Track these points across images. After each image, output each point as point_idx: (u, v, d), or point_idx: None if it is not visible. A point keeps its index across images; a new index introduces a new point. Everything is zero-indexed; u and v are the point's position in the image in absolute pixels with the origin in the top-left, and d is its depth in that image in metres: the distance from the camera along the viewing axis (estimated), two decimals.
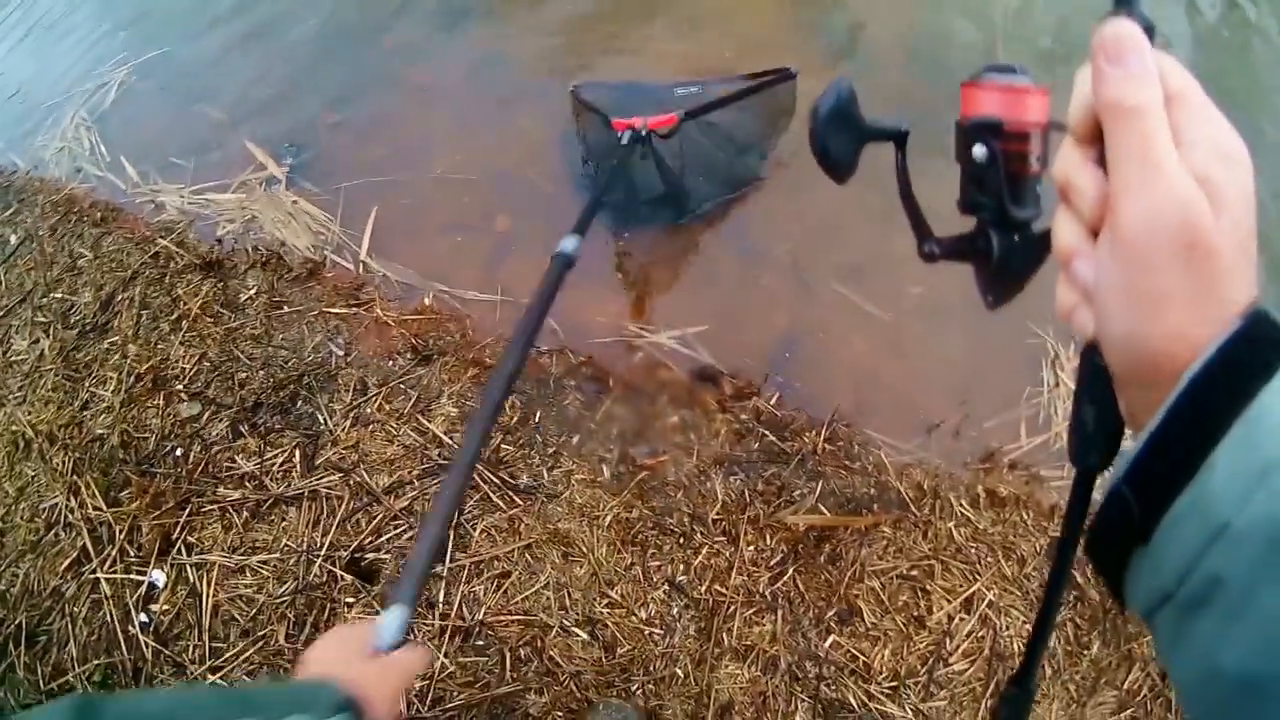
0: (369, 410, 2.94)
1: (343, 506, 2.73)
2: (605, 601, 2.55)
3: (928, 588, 2.59)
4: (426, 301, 3.26)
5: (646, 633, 2.51)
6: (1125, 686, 2.46)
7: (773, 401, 2.98)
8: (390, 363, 3.06)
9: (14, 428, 3.17)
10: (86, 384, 3.22)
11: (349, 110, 4.07)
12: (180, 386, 3.10)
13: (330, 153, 3.88)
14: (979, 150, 0.72)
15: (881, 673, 2.47)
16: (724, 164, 3.55)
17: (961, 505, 2.76)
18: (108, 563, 2.75)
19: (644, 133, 3.09)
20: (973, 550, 2.66)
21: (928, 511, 2.73)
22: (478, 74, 4.16)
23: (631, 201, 3.45)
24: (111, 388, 3.16)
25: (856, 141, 0.84)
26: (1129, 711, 2.44)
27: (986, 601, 2.56)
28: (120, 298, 3.44)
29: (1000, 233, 0.76)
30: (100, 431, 3.06)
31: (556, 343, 3.13)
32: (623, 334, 3.18)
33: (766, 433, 2.88)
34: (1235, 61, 4.23)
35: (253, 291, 3.34)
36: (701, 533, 2.65)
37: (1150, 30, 0.57)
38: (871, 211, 3.53)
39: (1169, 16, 4.29)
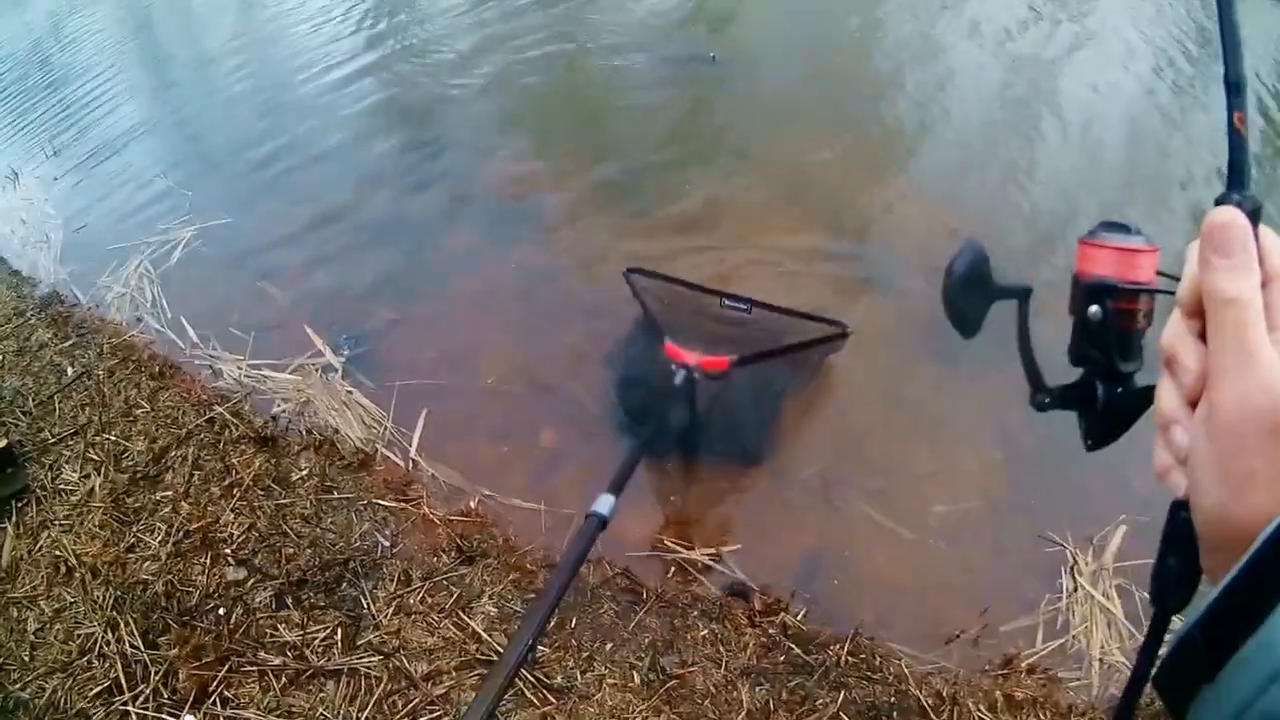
0: (412, 601, 3.11)
1: (380, 687, 2.87)
2: None
3: None
4: (472, 504, 3.45)
5: None
6: None
7: (799, 616, 3.12)
8: (435, 559, 3.25)
9: (57, 552, 3.32)
10: (134, 529, 3.38)
11: (406, 309, 4.37)
12: (228, 550, 3.28)
13: (386, 348, 4.14)
14: (1094, 310, 0.78)
15: None
16: (750, 408, 3.71)
17: (980, 710, 2.87)
18: (140, 698, 2.86)
19: (695, 374, 3.27)
20: None
21: (946, 718, 2.85)
22: (528, 286, 4.50)
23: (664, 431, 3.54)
24: (159, 538, 3.33)
25: (987, 300, 0.89)
26: None
27: None
28: (174, 454, 3.64)
29: (1106, 384, 0.81)
30: (145, 577, 3.22)
31: (595, 554, 3.27)
32: (659, 548, 3.36)
33: (793, 646, 3.02)
34: None
35: (304, 472, 3.56)
36: None
37: (1257, 212, 0.62)
38: (898, 432, 3.84)
39: None
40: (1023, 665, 3.07)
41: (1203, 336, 0.63)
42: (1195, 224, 0.67)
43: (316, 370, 4.01)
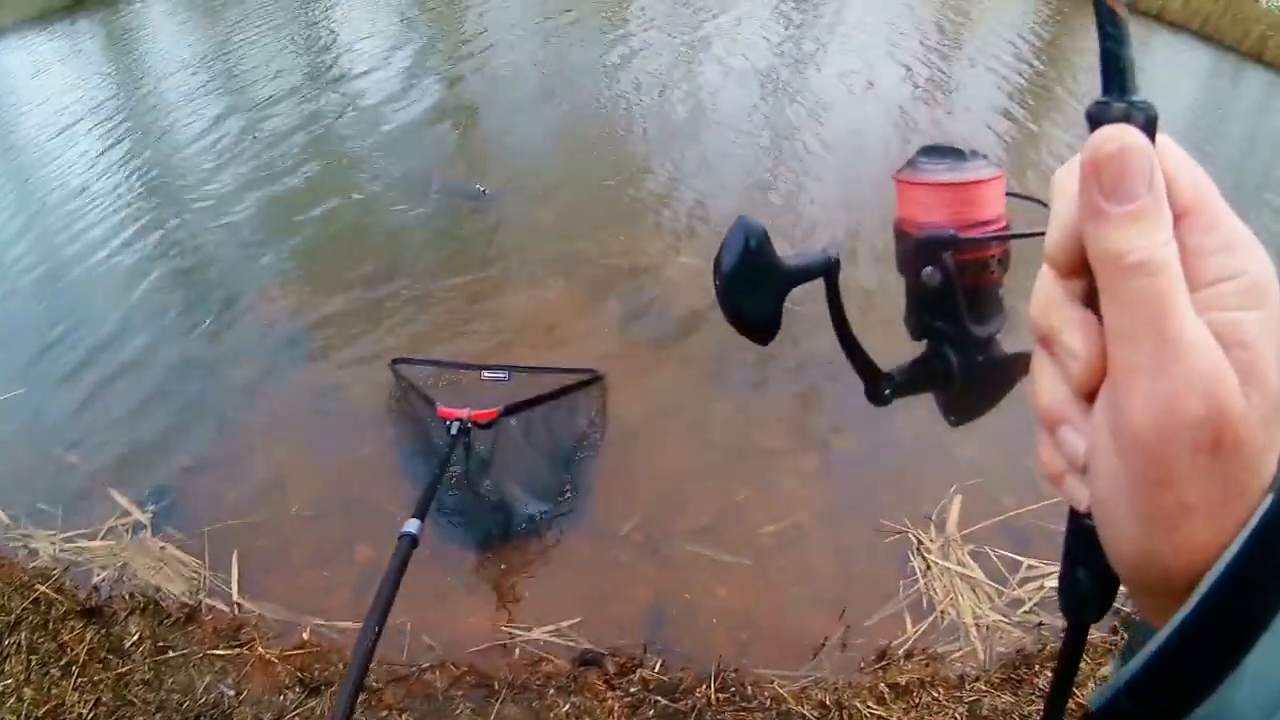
0: None
1: None
2: None
3: None
4: (305, 635, 3.48)
5: None
6: None
7: (657, 668, 3.23)
8: (281, 697, 3.26)
9: None
10: None
11: (201, 453, 4.37)
12: None
13: (189, 497, 4.13)
14: (929, 271, 0.61)
15: None
16: (543, 468, 3.97)
17: (869, 706, 2.98)
18: None
19: (468, 424, 3.52)
20: None
21: None
22: (316, 407, 4.58)
23: (470, 501, 3.82)
24: None
25: (777, 290, 0.65)
26: None
27: None
28: (8, 642, 3.49)
29: (961, 352, 0.64)
30: None
31: (435, 657, 3.36)
32: (497, 637, 3.44)
33: (659, 698, 3.11)
34: None
35: (135, 638, 3.48)
36: None
37: (1153, 123, 0.43)
38: (708, 467, 4.05)
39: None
40: (899, 653, 3.20)
41: (1090, 303, 0.45)
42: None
43: (127, 532, 3.97)
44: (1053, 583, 3.15)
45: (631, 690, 3.19)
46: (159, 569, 3.81)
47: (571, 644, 3.43)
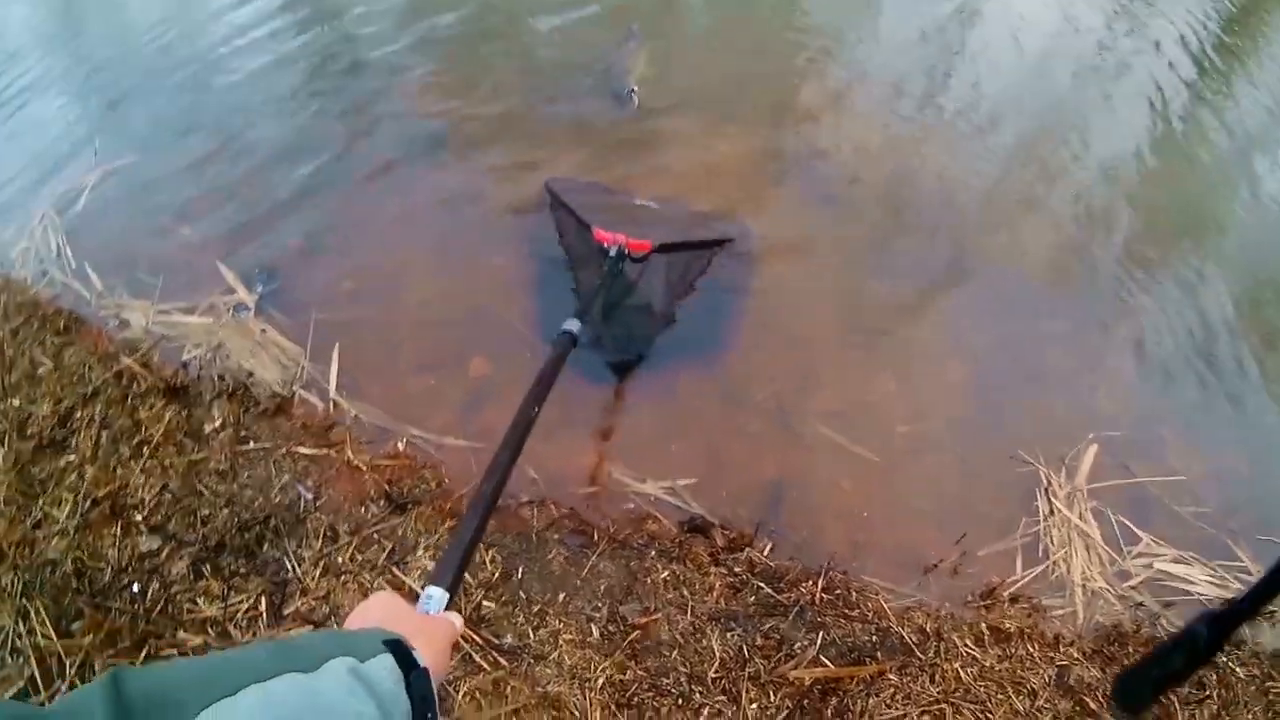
0: (340, 559, 2.83)
1: None
2: None
3: None
4: (400, 446, 3.20)
5: None
6: None
7: (766, 552, 2.96)
8: (363, 509, 2.98)
9: None
10: (41, 502, 3.04)
11: (321, 238, 4.06)
12: (139, 517, 2.96)
13: (302, 282, 3.84)
14: None
15: None
16: (659, 306, 3.69)
17: (966, 644, 2.76)
18: (57, 696, 2.60)
19: (625, 250, 3.37)
20: (982, 690, 2.64)
21: (932, 654, 2.71)
22: (452, 208, 4.20)
23: (605, 333, 3.55)
24: (67, 510, 2.99)
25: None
26: None
27: None
28: (80, 415, 3.30)
29: None
30: (53, 556, 2.88)
31: (537, 493, 3.07)
32: (607, 484, 3.16)
33: (762, 585, 2.84)
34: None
35: (218, 423, 3.24)
36: (701, 693, 2.57)
37: None
38: (852, 351, 3.72)
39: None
40: (1005, 595, 2.95)
41: None
42: None
43: (229, 310, 3.70)
44: (1163, 565, 3.06)
45: (736, 570, 2.90)
46: (255, 353, 3.56)
47: (682, 506, 3.12)
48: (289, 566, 2.85)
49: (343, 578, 2.81)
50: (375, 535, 2.92)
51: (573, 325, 2.63)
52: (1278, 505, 3.25)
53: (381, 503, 3.01)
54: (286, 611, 2.74)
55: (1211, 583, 2.97)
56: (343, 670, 0.82)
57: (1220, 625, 1.28)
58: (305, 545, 2.90)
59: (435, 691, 0.91)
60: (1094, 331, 3.90)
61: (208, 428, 3.26)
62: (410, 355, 3.55)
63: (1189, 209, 4.70)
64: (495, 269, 3.89)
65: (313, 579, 2.81)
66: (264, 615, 2.73)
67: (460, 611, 1.60)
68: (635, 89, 4.90)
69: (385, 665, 0.87)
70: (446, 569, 1.29)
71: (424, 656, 0.93)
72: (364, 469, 3.11)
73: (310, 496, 3.03)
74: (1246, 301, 4.07)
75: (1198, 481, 3.31)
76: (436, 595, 1.22)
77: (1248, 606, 1.26)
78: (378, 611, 1.05)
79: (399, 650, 0.90)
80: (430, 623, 1.11)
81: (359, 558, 2.86)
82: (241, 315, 3.68)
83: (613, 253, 3.37)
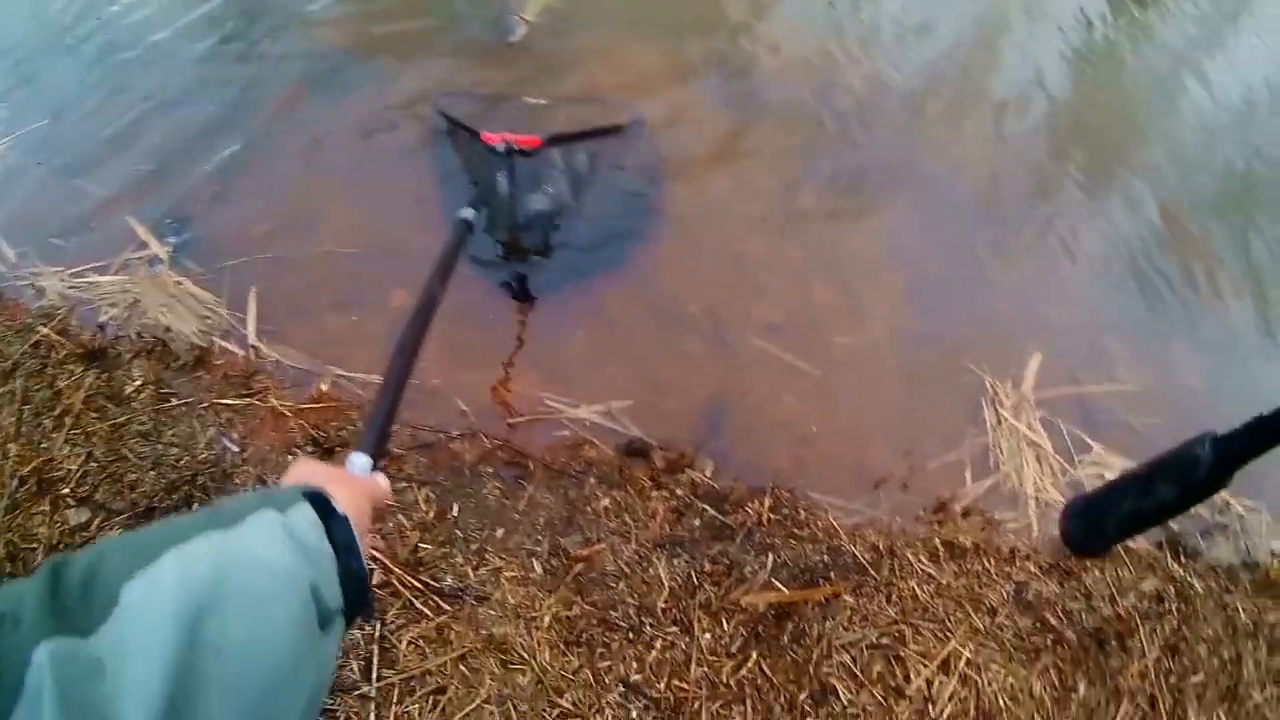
0: None
1: None
2: (556, 712, 2.34)
3: (901, 654, 2.50)
4: (324, 388, 3.08)
5: None
6: None
7: (709, 473, 2.90)
8: (290, 458, 2.83)
9: None
10: None
11: (230, 182, 3.87)
12: (67, 490, 2.82)
13: (215, 229, 3.66)
14: None
15: None
16: (598, 217, 3.68)
17: (921, 561, 2.72)
18: None
19: (514, 147, 3.26)
20: (940, 607, 2.60)
21: (888, 573, 2.67)
22: (362, 140, 4.04)
23: (515, 245, 3.56)
24: None
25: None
26: None
27: (964, 660, 2.49)
28: (0, 391, 3.28)
29: None
30: None
31: (468, 426, 2.97)
32: (539, 411, 3.06)
33: (707, 507, 2.78)
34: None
35: (138, 383, 3.10)
36: (651, 624, 2.50)
37: None
38: (789, 261, 3.62)
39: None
40: (957, 509, 2.93)
41: None
42: None
43: (143, 265, 3.53)
44: (1115, 475, 2.82)
45: (679, 493, 2.83)
46: (172, 307, 3.39)
47: (619, 430, 3.04)
48: None
49: None
50: None
51: (468, 213, 2.55)
52: (1229, 418, 3.18)
53: (309, 448, 2.89)
54: None
55: None
56: (260, 523, 0.82)
57: (1231, 447, 0.90)
58: None
59: (360, 540, 0.91)
60: (1034, 240, 3.85)
61: (128, 389, 3.10)
62: (329, 294, 3.40)
63: (1125, 116, 4.65)
64: (410, 197, 3.74)
65: None
66: None
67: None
68: (523, 17, 4.66)
69: (304, 514, 0.87)
70: (368, 436, 1.31)
71: (343, 506, 0.93)
72: (289, 415, 2.98)
73: (236, 449, 2.90)
74: (1191, 210, 4.06)
75: (1148, 394, 3.29)
76: (360, 461, 1.22)
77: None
78: (304, 470, 1.05)
79: (318, 501, 0.90)
80: (356, 481, 1.13)
81: None
82: (155, 269, 3.51)
83: (501, 149, 3.27)
